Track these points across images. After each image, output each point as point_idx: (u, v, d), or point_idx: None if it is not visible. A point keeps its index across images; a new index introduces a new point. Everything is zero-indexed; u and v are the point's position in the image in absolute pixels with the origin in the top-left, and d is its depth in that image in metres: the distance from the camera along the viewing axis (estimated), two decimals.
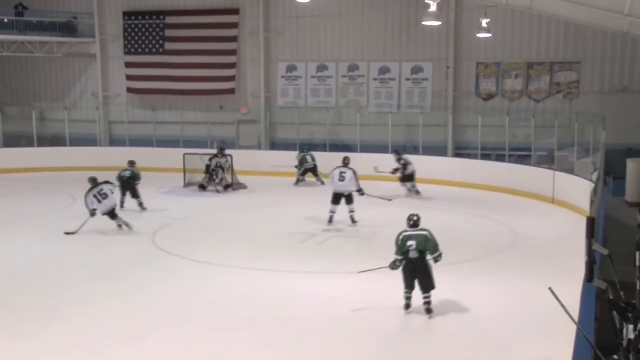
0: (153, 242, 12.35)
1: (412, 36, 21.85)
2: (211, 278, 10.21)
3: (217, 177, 17.96)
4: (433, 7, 16.14)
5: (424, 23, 18.03)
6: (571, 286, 7.96)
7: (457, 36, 21.31)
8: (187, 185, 18.78)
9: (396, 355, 7.42)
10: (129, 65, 24.11)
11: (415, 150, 20.70)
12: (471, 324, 8.29)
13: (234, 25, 23.17)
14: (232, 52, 23.24)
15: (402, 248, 8.51)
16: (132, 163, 15.98)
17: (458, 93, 21.67)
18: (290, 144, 22.23)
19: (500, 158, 19.86)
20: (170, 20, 23.55)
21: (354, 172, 13.83)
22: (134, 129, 23.67)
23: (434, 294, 8.59)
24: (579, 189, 14.97)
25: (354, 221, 13.66)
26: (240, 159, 19.45)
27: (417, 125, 21.02)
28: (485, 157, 20.17)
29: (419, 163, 20.05)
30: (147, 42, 23.79)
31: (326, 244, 12.40)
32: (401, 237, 8.61)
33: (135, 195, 15.47)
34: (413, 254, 8.43)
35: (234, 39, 23.22)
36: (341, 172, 13.81)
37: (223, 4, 23.25)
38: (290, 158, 19.99)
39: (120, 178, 15.40)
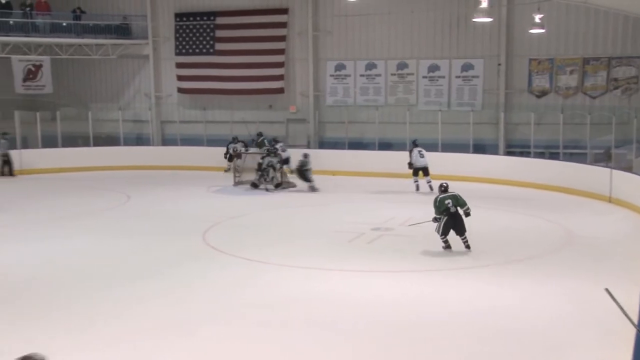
0: (204, 240, 12.51)
1: (462, 33, 21.54)
2: (260, 276, 10.27)
3: (268, 176, 18.08)
4: (484, 4, 15.92)
5: (474, 20, 17.84)
6: (629, 288, 7.74)
7: (509, 32, 20.90)
8: (237, 183, 18.98)
9: (447, 354, 7.32)
10: (179, 65, 24.51)
11: (465, 148, 20.42)
12: (525, 324, 8.11)
13: (283, 25, 23.29)
14: (281, 52, 23.37)
15: (440, 207, 11.24)
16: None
17: (510, 90, 21.26)
18: (339, 142, 22.24)
19: (553, 156, 19.42)
20: (220, 20, 23.83)
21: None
22: (185, 128, 24.07)
23: (489, 291, 8.37)
24: (638, 188, 14.50)
25: (432, 188, 16.46)
26: (290, 157, 19.53)
27: (468, 123, 20.74)
28: (538, 155, 19.74)
29: (470, 161, 19.87)
30: (197, 42, 24.14)
31: (375, 243, 12.34)
32: (439, 200, 11.33)
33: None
34: (452, 209, 11.22)
35: (282, 39, 23.34)
36: (419, 151, 17.55)
37: (272, 3, 23.40)
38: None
39: None
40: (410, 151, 17.92)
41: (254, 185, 18.21)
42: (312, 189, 17.79)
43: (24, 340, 7.62)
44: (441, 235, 11.34)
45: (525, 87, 21.10)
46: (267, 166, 18.10)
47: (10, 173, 21.19)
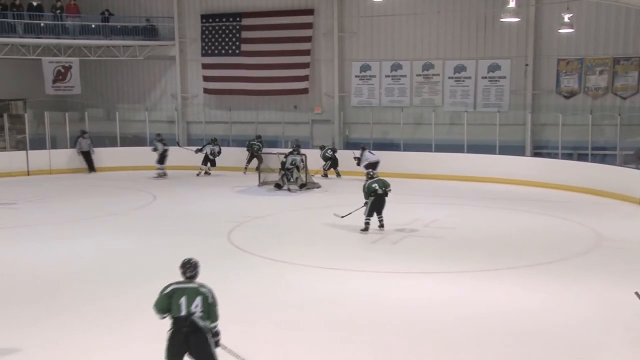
0: (229, 240, 12.56)
1: (489, 33, 21.33)
2: (285, 276, 10.28)
3: (291, 176, 18.09)
4: (512, 4, 15.76)
5: (502, 20, 17.65)
6: None
7: (537, 32, 20.63)
8: (262, 184, 19.03)
9: (471, 355, 7.24)
10: (205, 66, 24.66)
11: (491, 150, 20.24)
12: (552, 327, 8.00)
13: (309, 26, 23.30)
14: (306, 52, 23.38)
15: (369, 191, 12.91)
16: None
17: (537, 91, 20.99)
18: (364, 143, 22.17)
19: (582, 157, 19.15)
20: (246, 21, 23.93)
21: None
22: (211, 128, 24.20)
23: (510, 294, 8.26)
24: None
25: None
26: (315, 158, 19.58)
27: (494, 124, 20.54)
28: (566, 156, 19.48)
29: (496, 163, 19.69)
30: (223, 43, 24.27)
31: (399, 244, 12.28)
32: (367, 185, 13.00)
33: None
34: (380, 191, 12.83)
35: (308, 39, 23.36)
36: (369, 151, 18.75)
37: (298, 4, 23.43)
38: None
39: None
40: (362, 153, 19.62)
41: (278, 186, 18.25)
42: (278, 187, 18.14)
43: (60, 335, 7.75)
44: (367, 217, 12.89)
45: (553, 87, 20.81)
46: (290, 165, 18.11)
47: (91, 169, 22.26)
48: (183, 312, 5.91)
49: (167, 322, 6.04)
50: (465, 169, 19.87)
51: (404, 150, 21.35)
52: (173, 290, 6.06)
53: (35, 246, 12.15)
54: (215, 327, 6.04)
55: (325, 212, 15.63)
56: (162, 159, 21.20)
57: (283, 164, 18.20)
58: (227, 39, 24.19)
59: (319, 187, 18.60)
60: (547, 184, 18.34)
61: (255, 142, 21.51)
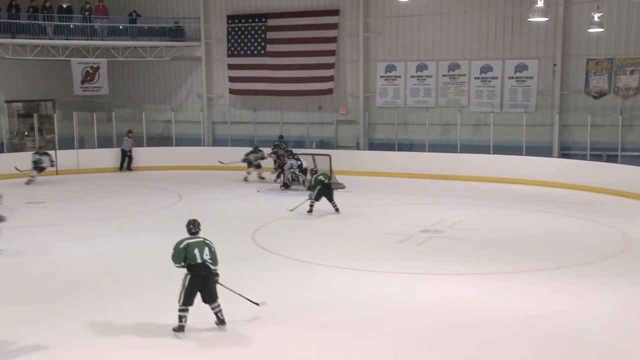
0: (253, 240, 12.59)
1: (516, 33, 21.10)
2: (309, 276, 10.28)
3: (298, 180, 18.14)
4: (540, 3, 15.60)
5: (529, 19, 17.45)
6: None
7: (565, 31, 20.35)
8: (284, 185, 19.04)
9: (497, 357, 7.18)
10: (231, 67, 24.78)
11: (518, 151, 20.03)
12: (578, 330, 7.89)
13: (334, 26, 23.28)
14: (331, 53, 23.36)
15: (316, 181, 14.86)
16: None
17: (565, 91, 20.70)
18: (388, 144, 22.10)
19: (611, 158, 18.83)
20: (271, 22, 23.99)
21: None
22: (236, 129, 24.33)
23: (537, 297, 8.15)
24: None
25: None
26: (339, 159, 19.55)
27: (521, 124, 20.32)
28: (595, 157, 19.19)
29: (523, 164, 19.47)
30: (249, 44, 24.36)
31: (424, 245, 12.20)
32: (314, 177, 15.14)
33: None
34: (326, 181, 15.03)
35: (333, 40, 23.33)
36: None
37: (323, 5, 23.42)
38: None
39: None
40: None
41: (285, 186, 18.35)
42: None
43: (85, 332, 7.84)
44: (314, 199, 14.72)
45: (582, 88, 20.50)
46: (291, 169, 18.26)
47: (129, 168, 22.69)
48: (199, 260, 7.70)
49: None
50: (491, 170, 19.68)
51: (429, 151, 21.21)
52: (187, 245, 7.80)
53: (63, 244, 12.31)
54: (217, 268, 7.87)
55: (349, 213, 15.61)
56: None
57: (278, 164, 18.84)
58: (252, 40, 24.28)
59: (343, 187, 18.55)
60: (575, 185, 18.07)
61: (278, 143, 21.39)
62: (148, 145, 23.85)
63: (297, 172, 18.27)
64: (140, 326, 8.11)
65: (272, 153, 20.30)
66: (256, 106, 24.38)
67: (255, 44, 24.24)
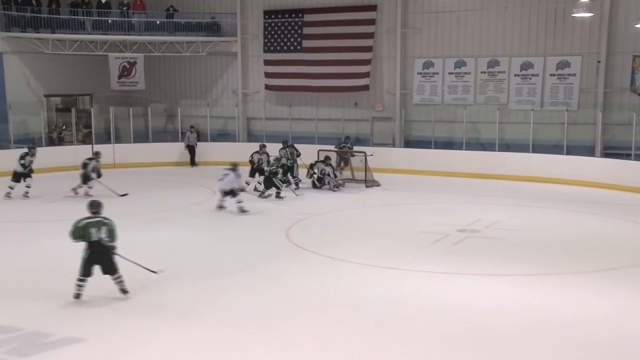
0: (287, 237, 12.46)
1: (559, 29, 20.52)
2: (342, 274, 10.12)
3: (325, 183, 17.81)
4: None
5: (573, 15, 16.97)
6: None
7: (611, 27, 19.71)
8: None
9: None
10: (267, 62, 24.70)
11: (559, 150, 19.51)
12: (619, 336, 7.57)
13: (371, 22, 23.01)
14: (368, 49, 23.09)
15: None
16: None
17: (609, 89, 20.07)
18: (425, 141, 21.77)
19: None
20: (308, 17, 23.83)
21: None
22: (271, 125, 24.25)
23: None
24: None
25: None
26: (375, 156, 19.28)
27: (562, 123, 19.79)
28: None
29: (564, 163, 18.96)
30: (285, 40, 24.25)
31: (460, 245, 11.91)
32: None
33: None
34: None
35: (370, 36, 23.06)
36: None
37: (361, 0, 23.17)
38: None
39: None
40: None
41: (314, 186, 17.94)
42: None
43: (118, 326, 7.80)
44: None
45: (627, 85, 19.85)
46: (321, 175, 17.79)
47: (192, 163, 22.96)
48: (94, 238, 8.55)
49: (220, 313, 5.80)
50: (530, 170, 19.21)
51: (467, 149, 20.83)
52: (86, 224, 8.61)
53: None
54: (115, 245, 8.70)
55: (384, 210, 15.40)
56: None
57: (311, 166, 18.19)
58: (289, 35, 24.16)
59: (378, 185, 18.32)
60: (618, 186, 17.52)
61: (345, 144, 20.69)
62: (183, 141, 23.91)
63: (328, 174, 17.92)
64: (171, 322, 8.03)
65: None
66: (291, 102, 24.26)
67: (292, 39, 24.11)
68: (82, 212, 8.99)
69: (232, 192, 14.72)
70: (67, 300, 8.67)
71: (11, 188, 16.33)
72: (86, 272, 8.62)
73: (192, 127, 23.43)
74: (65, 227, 9.15)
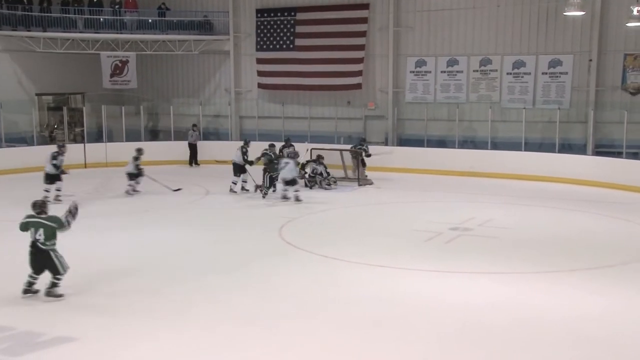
0: (280, 236, 12.45)
1: (551, 28, 20.60)
2: (336, 273, 10.11)
3: (317, 183, 17.79)
4: None
5: (565, 14, 17.03)
6: None
7: (603, 26, 19.80)
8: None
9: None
10: (260, 61, 24.67)
11: (551, 148, 19.57)
12: (612, 333, 7.60)
13: (364, 20, 23.02)
14: (361, 47, 23.10)
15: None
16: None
17: (601, 87, 20.17)
18: (418, 140, 21.81)
19: None
20: (300, 16, 23.81)
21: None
22: (263, 123, 24.23)
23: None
24: None
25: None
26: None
27: (554, 121, 19.86)
28: (631, 155, 18.67)
29: (556, 161, 19.03)
30: (278, 38, 24.22)
31: (454, 243, 11.93)
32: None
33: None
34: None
35: (363, 34, 23.07)
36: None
37: None
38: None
39: None
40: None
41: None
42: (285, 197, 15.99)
43: (112, 325, 7.78)
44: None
45: (618, 84, 19.96)
46: (313, 174, 17.77)
47: (195, 162, 22.74)
48: (31, 238, 8.55)
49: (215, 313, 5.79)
50: (523, 168, 19.29)
51: (459, 147, 20.88)
52: (27, 222, 8.64)
53: (90, 238, 12.26)
54: (49, 247, 8.54)
55: (377, 209, 15.41)
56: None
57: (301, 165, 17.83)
58: (281, 34, 24.14)
59: (371, 183, 18.34)
60: (609, 184, 17.60)
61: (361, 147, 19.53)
62: (176, 140, 23.86)
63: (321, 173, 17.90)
64: (165, 321, 8.01)
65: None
66: (284, 101, 24.25)
67: (284, 38, 24.09)
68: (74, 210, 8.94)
69: (292, 181, 15.58)
70: (60, 300, 8.64)
71: (47, 191, 15.26)
72: (32, 269, 8.64)
73: (194, 125, 23.20)
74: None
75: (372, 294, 9.02)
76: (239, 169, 17.16)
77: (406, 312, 8.33)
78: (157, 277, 9.88)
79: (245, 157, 17.15)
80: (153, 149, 22.89)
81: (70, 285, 9.04)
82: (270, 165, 16.59)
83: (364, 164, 19.00)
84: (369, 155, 18.92)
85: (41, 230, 8.51)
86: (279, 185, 16.04)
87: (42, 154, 21.18)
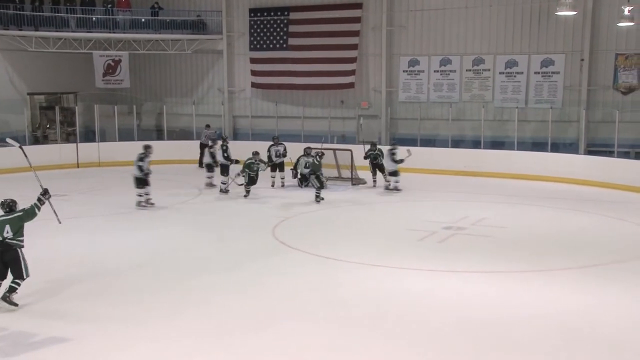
0: (273, 235, 12.45)
1: (543, 27, 20.69)
2: (330, 273, 10.12)
3: (310, 182, 17.74)
4: None
5: (557, 13, 17.10)
6: None
7: (594, 26, 19.90)
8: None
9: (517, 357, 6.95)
10: (253, 60, 24.65)
11: (543, 147, 19.65)
12: (604, 333, 7.62)
13: (357, 20, 23.04)
14: (354, 47, 23.13)
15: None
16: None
17: (593, 86, 20.27)
18: (411, 139, 21.83)
19: None
20: (294, 15, 23.81)
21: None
22: (257, 123, 24.21)
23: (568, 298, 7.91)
24: None
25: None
26: (360, 154, 19.29)
27: (546, 120, 19.93)
28: (623, 154, 18.76)
29: (548, 160, 19.09)
30: (271, 37, 24.21)
31: (446, 242, 11.96)
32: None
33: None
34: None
35: (356, 34, 23.09)
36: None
37: None
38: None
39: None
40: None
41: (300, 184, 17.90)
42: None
43: (104, 326, 7.75)
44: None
45: (610, 83, 20.06)
46: (305, 169, 17.59)
47: (200, 164, 21.58)
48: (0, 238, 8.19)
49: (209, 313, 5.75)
50: (515, 167, 19.35)
51: (452, 147, 20.92)
52: None
53: (83, 238, 12.26)
54: (22, 241, 8.31)
55: (370, 209, 15.42)
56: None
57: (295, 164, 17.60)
58: (275, 33, 24.13)
59: (364, 183, 18.34)
60: (602, 183, 17.68)
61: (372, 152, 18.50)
62: (169, 139, 23.82)
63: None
64: (157, 323, 8.00)
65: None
66: (278, 100, 24.24)
67: (278, 37, 24.08)
68: (61, 210, 8.91)
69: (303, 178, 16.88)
70: (52, 300, 8.62)
71: (139, 195, 14.95)
72: None
73: (207, 125, 22.39)
74: (45, 227, 9.09)
75: (367, 294, 9.02)
76: (224, 168, 17.14)
77: (399, 311, 8.35)
78: (149, 277, 9.86)
79: (225, 155, 17.12)
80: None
81: (61, 285, 9.03)
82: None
83: (381, 170, 17.45)
84: (400, 161, 16.82)
85: (7, 227, 8.21)
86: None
87: (34, 154, 21.16)
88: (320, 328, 7.79)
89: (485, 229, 12.93)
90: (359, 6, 22.98)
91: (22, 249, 8.33)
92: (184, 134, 24.54)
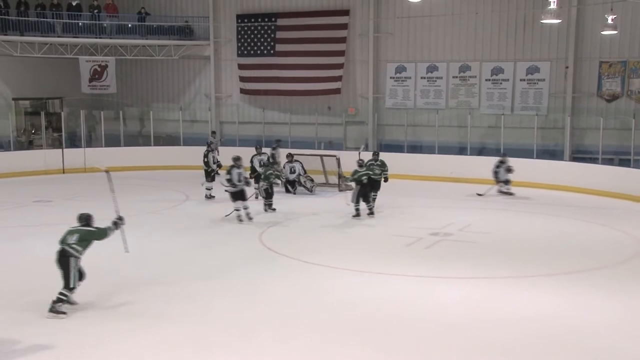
0: (261, 242, 12.44)
1: (529, 35, 20.88)
2: (317, 279, 10.12)
3: (298, 185, 17.88)
4: (553, 5, 15.38)
5: (542, 21, 17.24)
6: None
7: (578, 34, 20.12)
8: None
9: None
10: (241, 67, 24.65)
11: (529, 154, 19.78)
12: (588, 339, 7.68)
13: (344, 26, 23.12)
14: (341, 53, 23.20)
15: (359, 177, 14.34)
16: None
17: (577, 94, 20.47)
18: (398, 145, 21.92)
19: (624, 163, 18.57)
20: (281, 22, 23.86)
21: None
22: (244, 129, 24.19)
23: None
24: None
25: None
26: (348, 160, 19.33)
27: (532, 127, 20.08)
28: (607, 161, 18.92)
29: (534, 167, 19.23)
30: (258, 43, 24.23)
31: (432, 248, 12.01)
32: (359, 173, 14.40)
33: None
34: (365, 180, 14.40)
35: (343, 40, 23.17)
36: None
37: (334, 5, 23.27)
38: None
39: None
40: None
41: (287, 190, 17.95)
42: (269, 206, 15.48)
43: (88, 333, 7.71)
44: (356, 204, 14.40)
45: (594, 90, 20.27)
46: (291, 174, 17.92)
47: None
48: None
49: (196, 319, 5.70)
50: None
51: (439, 153, 21.02)
52: (69, 230, 8.66)
53: None
54: (80, 252, 8.53)
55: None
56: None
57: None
58: (262, 39, 24.15)
59: (351, 189, 18.29)
60: (586, 189, 17.83)
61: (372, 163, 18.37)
62: (155, 145, 23.74)
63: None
64: (143, 330, 7.96)
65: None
66: (265, 106, 24.25)
67: (265, 43, 24.11)
68: (47, 216, 8.85)
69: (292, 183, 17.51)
70: (36, 307, 8.54)
71: (209, 189, 16.91)
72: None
73: (213, 132, 22.57)
74: (30, 232, 9.00)
75: (353, 300, 9.04)
76: (208, 174, 17.24)
77: (386, 317, 8.37)
78: (136, 283, 9.81)
79: (205, 160, 17.25)
80: (130, 154, 22.82)
81: (48, 292, 8.96)
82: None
83: (375, 189, 15.20)
84: (386, 180, 15.89)
85: (75, 236, 8.48)
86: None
87: (19, 159, 21.12)
88: (305, 334, 7.79)
89: (472, 235, 13.00)
90: (346, 13, 23.07)
91: (78, 261, 8.47)
92: (170, 140, 24.49)
